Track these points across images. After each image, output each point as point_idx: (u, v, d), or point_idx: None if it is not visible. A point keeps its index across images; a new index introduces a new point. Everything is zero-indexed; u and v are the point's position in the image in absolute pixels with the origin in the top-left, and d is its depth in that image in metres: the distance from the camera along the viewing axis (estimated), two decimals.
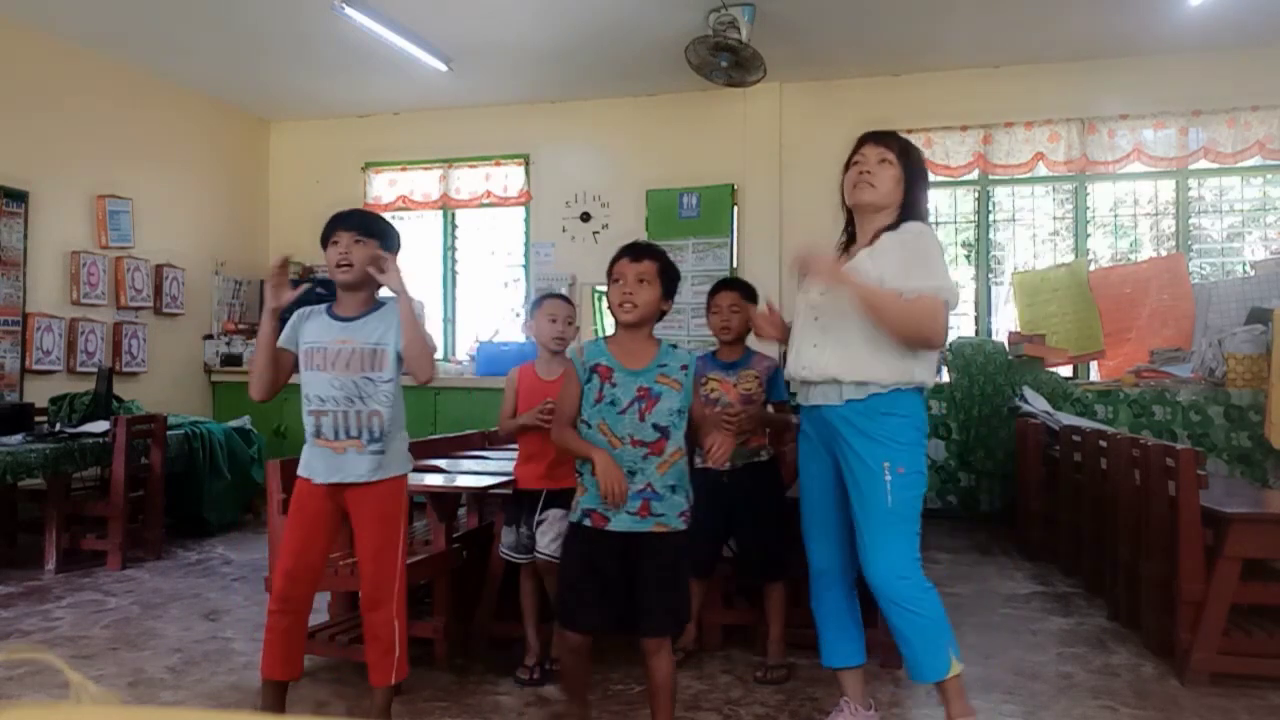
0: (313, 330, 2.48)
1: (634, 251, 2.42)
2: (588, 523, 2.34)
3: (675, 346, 2.44)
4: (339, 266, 2.45)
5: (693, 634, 3.40)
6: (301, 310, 2.54)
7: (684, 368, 2.38)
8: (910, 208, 2.57)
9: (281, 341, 2.50)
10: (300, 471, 2.48)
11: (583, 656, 2.41)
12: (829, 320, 2.53)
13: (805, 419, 2.67)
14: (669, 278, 2.43)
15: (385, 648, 2.49)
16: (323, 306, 2.53)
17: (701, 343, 6.92)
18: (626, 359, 2.36)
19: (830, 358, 2.51)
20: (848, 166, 2.64)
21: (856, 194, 2.58)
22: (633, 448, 2.30)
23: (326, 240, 2.49)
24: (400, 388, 2.49)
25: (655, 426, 2.31)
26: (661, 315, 2.44)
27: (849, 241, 2.67)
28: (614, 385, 2.34)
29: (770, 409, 3.37)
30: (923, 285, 2.41)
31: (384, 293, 2.57)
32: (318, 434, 2.40)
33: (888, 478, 2.43)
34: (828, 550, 2.64)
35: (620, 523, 2.31)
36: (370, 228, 2.50)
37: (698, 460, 3.36)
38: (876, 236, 2.55)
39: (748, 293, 3.36)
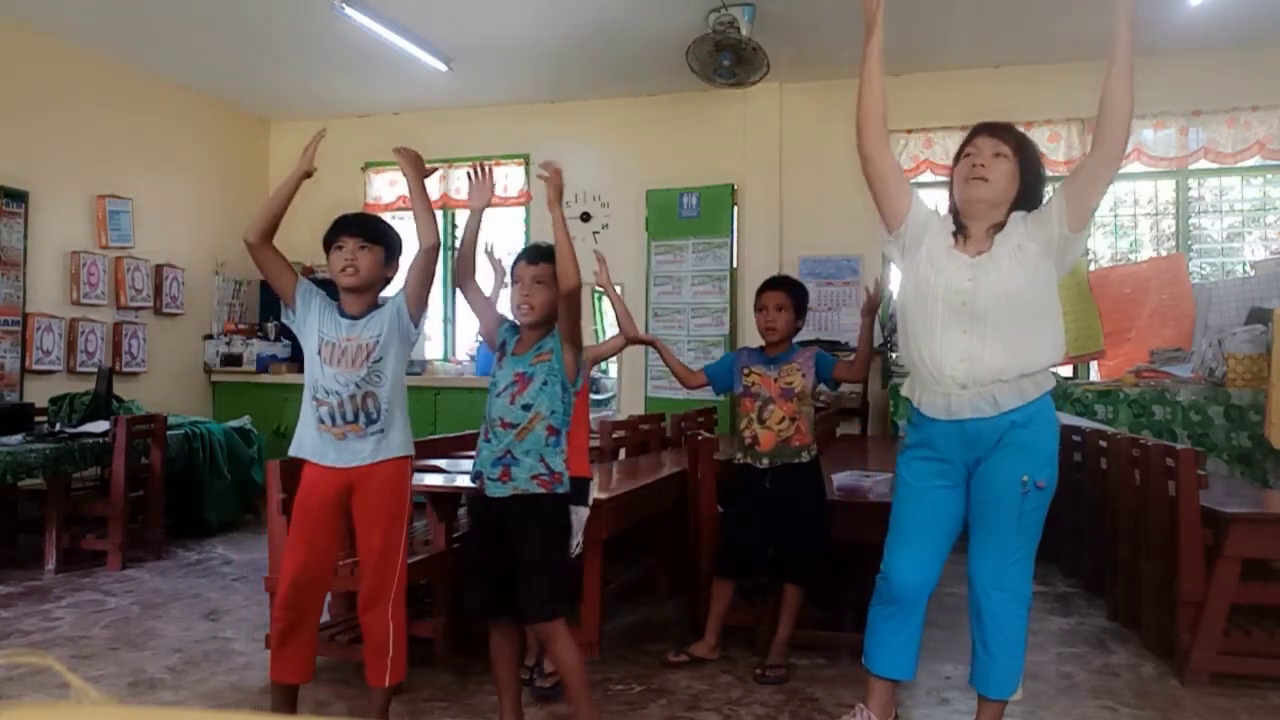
0: (326, 323, 2.53)
1: (530, 255, 2.54)
2: (474, 483, 2.48)
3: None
4: (343, 271, 2.49)
5: (711, 643, 3.40)
6: (325, 295, 2.60)
7: (552, 336, 2.49)
8: (1024, 205, 2.40)
9: (302, 283, 2.57)
10: (307, 455, 2.49)
11: (501, 648, 2.49)
12: (987, 308, 2.31)
13: (933, 432, 2.42)
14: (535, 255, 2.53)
15: (379, 648, 2.50)
16: (335, 304, 2.58)
17: (701, 342, 6.92)
18: (518, 347, 2.52)
19: (996, 352, 2.30)
20: (959, 158, 2.44)
21: (968, 189, 2.37)
22: (501, 430, 2.43)
23: (330, 244, 2.52)
24: (400, 374, 2.54)
25: (524, 406, 2.43)
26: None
27: (956, 234, 2.44)
28: (500, 368, 2.51)
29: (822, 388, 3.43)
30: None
31: (390, 290, 2.64)
32: (320, 421, 2.46)
33: (1025, 491, 2.33)
34: (920, 568, 2.45)
35: (490, 489, 2.43)
36: (375, 234, 2.54)
37: (738, 457, 3.38)
38: (996, 230, 2.37)
39: (795, 291, 3.35)
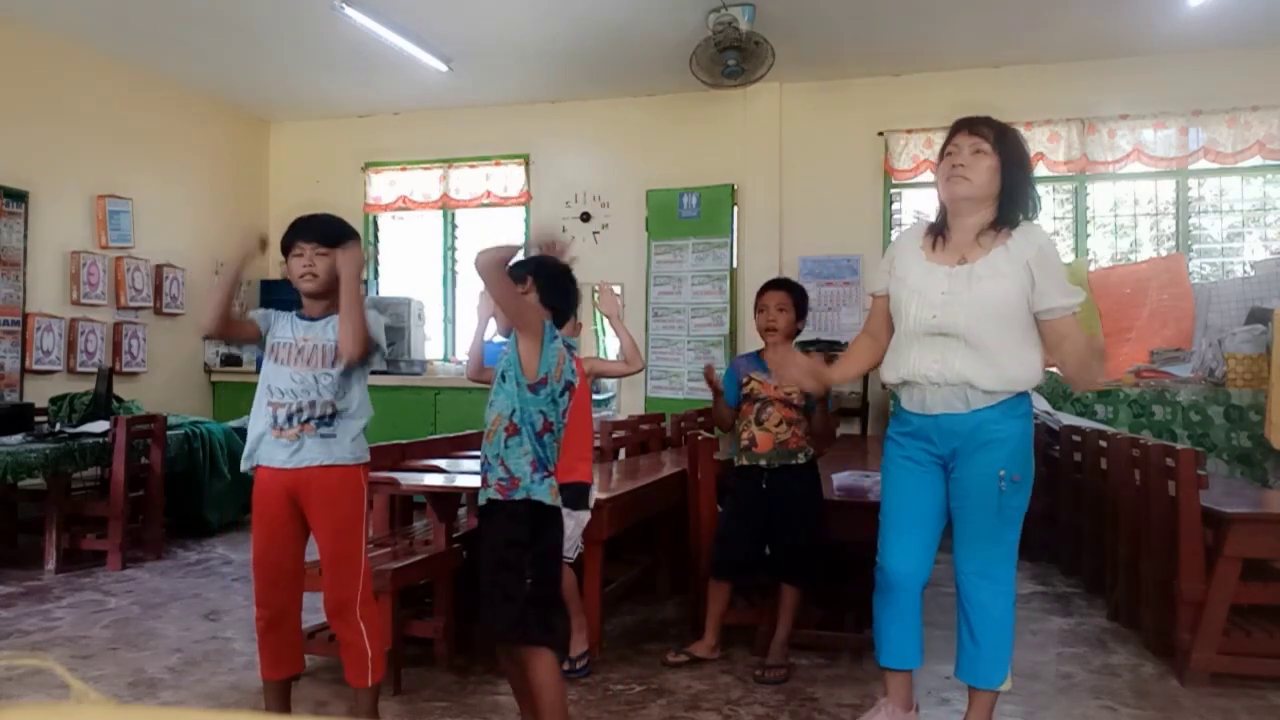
0: (281, 328, 2.54)
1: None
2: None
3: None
4: (302, 277, 2.49)
5: (711, 643, 3.40)
6: (277, 310, 2.61)
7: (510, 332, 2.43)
8: (1009, 198, 2.43)
9: (255, 316, 2.59)
10: (261, 461, 2.48)
11: (506, 664, 2.44)
12: (958, 320, 2.39)
13: (913, 423, 2.52)
14: (549, 287, 2.46)
15: (358, 653, 2.50)
16: (290, 312, 2.58)
17: (700, 342, 6.92)
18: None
19: (963, 362, 2.39)
20: (942, 156, 2.50)
21: (950, 187, 2.44)
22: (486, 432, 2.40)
23: (288, 249, 2.52)
24: (359, 382, 2.53)
25: (490, 405, 2.39)
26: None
27: (935, 232, 2.53)
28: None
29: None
30: (1069, 302, 2.39)
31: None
32: (274, 424, 2.45)
33: (1002, 486, 2.40)
34: (913, 556, 2.53)
35: (480, 494, 2.39)
36: (332, 238, 2.50)
37: (737, 459, 3.38)
38: (985, 233, 2.43)
39: (797, 294, 3.34)
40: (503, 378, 2.35)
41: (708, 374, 3.42)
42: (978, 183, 2.40)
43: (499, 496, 2.30)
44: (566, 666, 3.11)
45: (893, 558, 2.54)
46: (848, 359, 2.75)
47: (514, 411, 2.32)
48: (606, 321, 2.94)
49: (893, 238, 6.61)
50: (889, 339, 2.59)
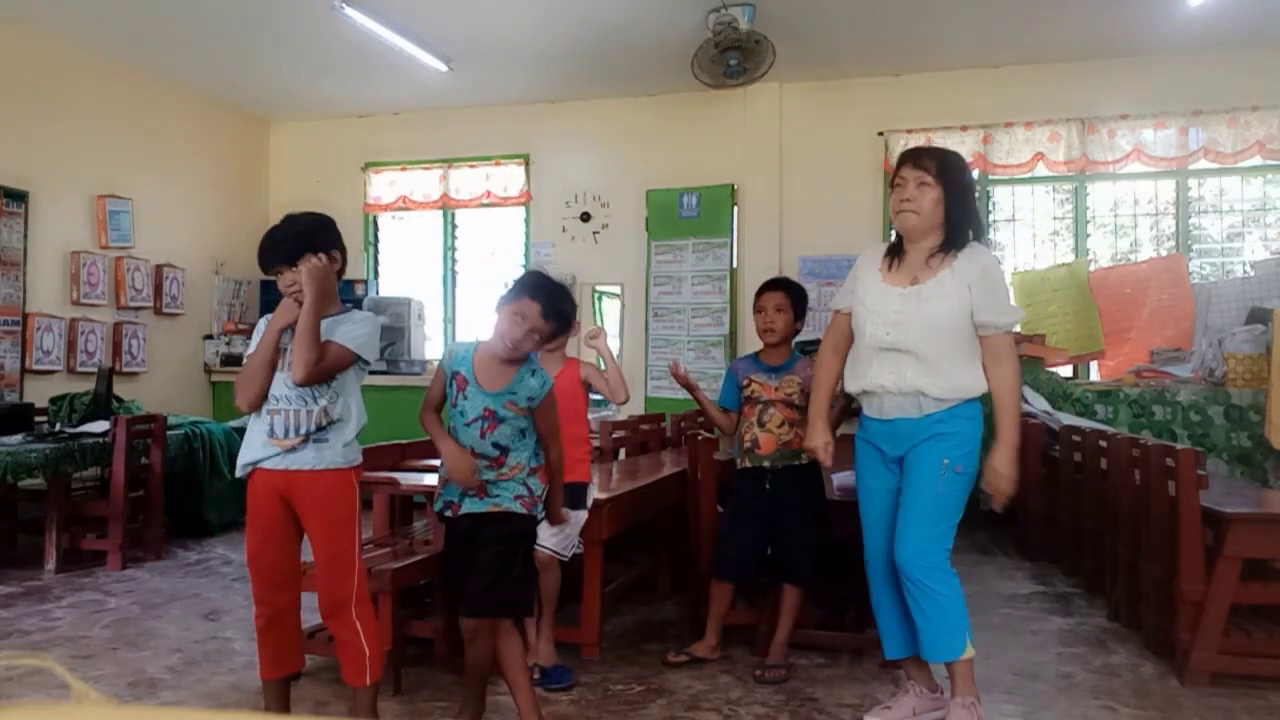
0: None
1: (518, 290, 2.56)
2: (448, 513, 2.60)
3: (535, 372, 2.56)
4: (291, 295, 2.44)
5: (712, 643, 3.40)
6: (267, 316, 2.56)
7: (530, 398, 2.54)
8: (954, 225, 2.64)
9: (256, 330, 2.56)
10: (252, 463, 2.45)
11: (476, 644, 2.54)
12: (909, 337, 2.61)
13: (872, 428, 2.76)
14: (558, 319, 2.57)
15: (355, 652, 2.49)
16: None
17: (700, 342, 6.92)
18: (484, 375, 2.55)
19: (915, 373, 2.61)
20: (893, 187, 2.73)
21: (899, 221, 2.68)
22: (474, 458, 2.52)
23: (266, 270, 2.49)
24: (354, 386, 2.51)
25: (495, 445, 2.53)
26: (547, 338, 2.60)
27: (892, 254, 2.75)
28: (465, 398, 2.54)
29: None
30: (1003, 321, 2.62)
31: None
32: (271, 433, 2.43)
33: (944, 473, 2.60)
34: (885, 537, 2.74)
35: (467, 505, 2.55)
36: (299, 255, 2.43)
37: (740, 461, 3.38)
38: (935, 256, 2.64)
39: (795, 294, 3.34)
40: (522, 433, 2.54)
41: (673, 370, 3.40)
42: (924, 214, 2.63)
43: (522, 510, 2.55)
44: (537, 675, 3.07)
45: (869, 538, 2.81)
46: (821, 385, 2.90)
47: (529, 456, 2.59)
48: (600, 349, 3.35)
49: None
50: (849, 350, 2.83)
